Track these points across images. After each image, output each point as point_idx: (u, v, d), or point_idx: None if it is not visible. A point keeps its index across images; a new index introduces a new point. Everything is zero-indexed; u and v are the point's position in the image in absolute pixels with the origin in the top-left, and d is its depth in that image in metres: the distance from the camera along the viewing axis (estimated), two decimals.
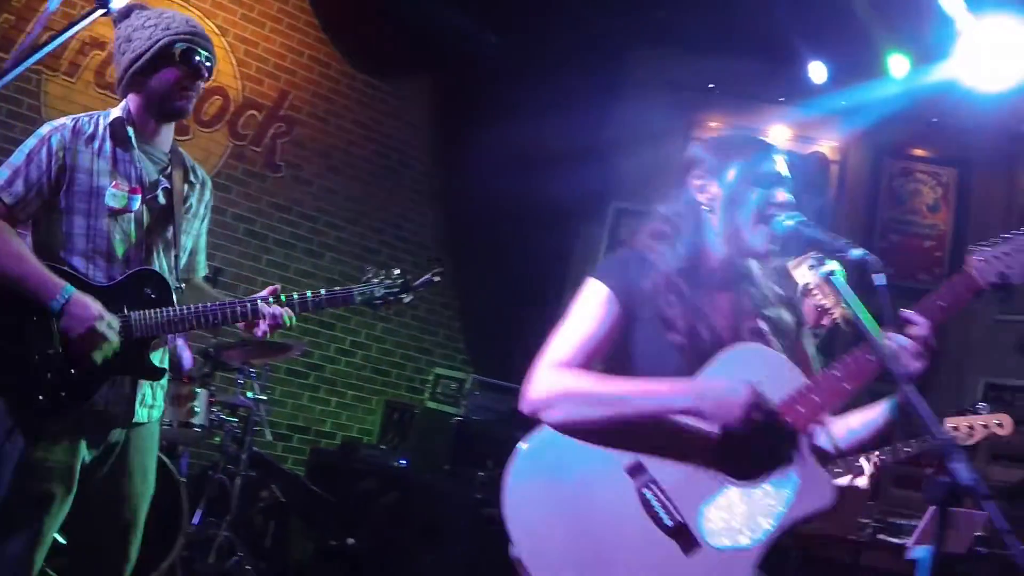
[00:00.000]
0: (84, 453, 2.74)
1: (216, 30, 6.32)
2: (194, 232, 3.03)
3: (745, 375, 1.95)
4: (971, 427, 3.44)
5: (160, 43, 2.76)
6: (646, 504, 1.96)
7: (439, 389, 6.61)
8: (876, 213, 7.86)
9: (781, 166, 2.18)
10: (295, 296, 2.85)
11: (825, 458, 2.11)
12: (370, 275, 2.99)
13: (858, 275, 2.13)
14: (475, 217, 7.10)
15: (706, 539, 1.92)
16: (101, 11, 2.37)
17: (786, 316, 2.21)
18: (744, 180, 2.14)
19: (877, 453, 3.56)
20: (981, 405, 3.56)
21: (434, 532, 5.18)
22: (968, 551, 4.45)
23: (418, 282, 3.02)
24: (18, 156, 2.73)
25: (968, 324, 7.10)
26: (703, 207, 2.18)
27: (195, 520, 4.90)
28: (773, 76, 7.56)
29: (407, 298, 3.00)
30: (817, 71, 7.09)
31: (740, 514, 1.92)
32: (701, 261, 2.17)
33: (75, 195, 2.74)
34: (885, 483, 5.97)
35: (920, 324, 2.04)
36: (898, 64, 6.64)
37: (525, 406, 2.10)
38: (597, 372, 2.10)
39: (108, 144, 2.80)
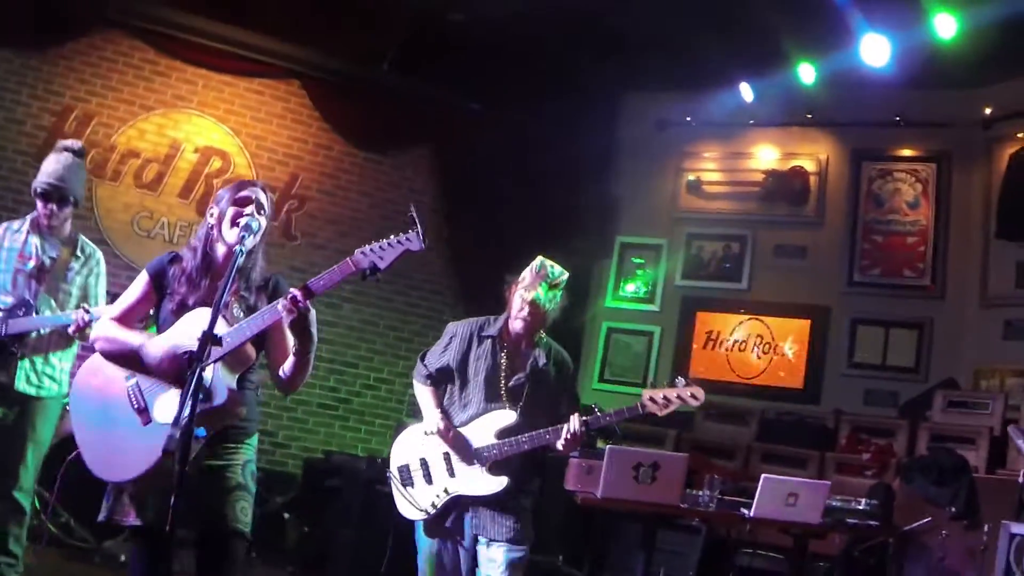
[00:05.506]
0: None
1: (230, 132, 7.93)
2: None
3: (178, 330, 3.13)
4: (666, 399, 3.66)
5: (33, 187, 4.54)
6: (129, 396, 3.21)
7: None
8: (857, 216, 8.13)
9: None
10: None
11: None
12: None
13: None
14: (481, 263, 7.98)
15: (154, 416, 3.14)
16: None
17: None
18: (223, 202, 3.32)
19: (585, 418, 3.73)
20: (678, 380, 3.72)
21: None
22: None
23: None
24: None
25: None
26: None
27: None
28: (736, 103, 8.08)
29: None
30: (745, 91, 7.66)
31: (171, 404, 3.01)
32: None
33: None
34: None
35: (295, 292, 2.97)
36: (806, 71, 7.12)
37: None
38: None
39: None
